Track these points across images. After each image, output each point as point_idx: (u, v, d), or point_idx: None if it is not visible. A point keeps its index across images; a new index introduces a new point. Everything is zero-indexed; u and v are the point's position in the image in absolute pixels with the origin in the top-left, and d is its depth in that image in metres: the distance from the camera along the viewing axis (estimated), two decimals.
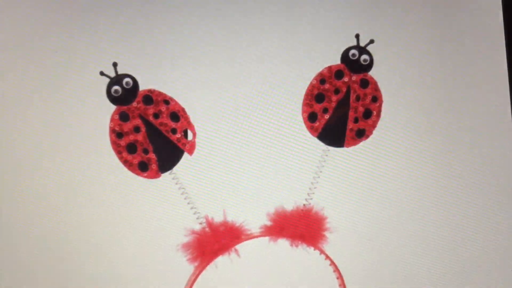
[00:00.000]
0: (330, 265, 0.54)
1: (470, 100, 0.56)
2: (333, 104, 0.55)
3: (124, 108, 0.54)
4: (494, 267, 0.56)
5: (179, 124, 0.54)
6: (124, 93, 0.53)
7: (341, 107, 0.56)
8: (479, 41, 0.57)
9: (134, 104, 0.54)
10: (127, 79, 0.53)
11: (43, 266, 0.53)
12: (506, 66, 0.57)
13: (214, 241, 0.53)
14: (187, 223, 0.54)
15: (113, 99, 0.53)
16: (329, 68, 0.55)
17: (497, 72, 0.57)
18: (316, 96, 0.55)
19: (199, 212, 0.54)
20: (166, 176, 0.54)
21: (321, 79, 0.55)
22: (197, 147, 0.54)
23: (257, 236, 0.54)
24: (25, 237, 0.53)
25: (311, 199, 0.55)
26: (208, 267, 0.53)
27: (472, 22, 0.57)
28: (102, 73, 0.53)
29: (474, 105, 0.56)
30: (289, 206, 0.54)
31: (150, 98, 0.54)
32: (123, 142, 0.53)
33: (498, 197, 0.56)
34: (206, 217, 0.54)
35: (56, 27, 0.53)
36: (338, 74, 0.55)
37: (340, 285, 0.54)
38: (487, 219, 0.56)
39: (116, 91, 0.53)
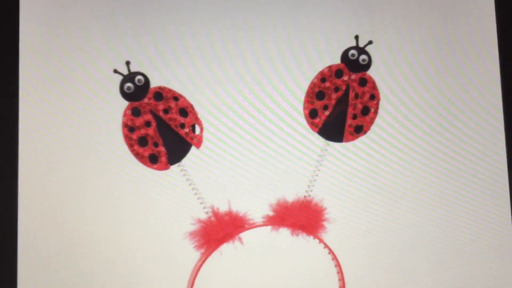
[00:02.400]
0: (329, 253, 0.55)
1: (464, 98, 0.58)
2: (333, 102, 0.57)
3: (136, 104, 0.55)
4: (487, 257, 0.57)
5: (187, 119, 0.56)
6: (136, 89, 0.55)
7: (341, 104, 0.57)
8: (474, 42, 0.58)
9: (146, 100, 0.55)
10: (139, 77, 0.55)
11: (57, 254, 0.54)
12: (499, 66, 0.58)
13: (219, 230, 0.54)
14: (194, 213, 0.55)
15: (125, 95, 0.55)
16: (330, 67, 0.57)
17: (491, 71, 0.58)
18: (317, 93, 0.57)
19: (205, 202, 0.55)
20: (174, 168, 0.55)
21: (322, 77, 0.57)
22: (204, 141, 0.56)
23: (259, 225, 0.55)
24: (41, 227, 0.54)
25: (311, 191, 0.56)
26: (213, 254, 0.54)
27: (467, 23, 0.58)
28: (115, 71, 0.55)
29: (468, 103, 0.58)
30: (290, 198, 0.55)
31: (160, 94, 0.55)
32: (134, 135, 0.55)
33: (492, 191, 0.57)
34: (212, 207, 0.55)
35: (73, 29, 0.55)
36: (338, 73, 0.57)
37: (338, 272, 0.55)
38: (481, 212, 0.57)
39: (128, 88, 0.55)
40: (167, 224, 0.55)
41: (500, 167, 0.58)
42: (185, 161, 0.56)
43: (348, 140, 0.57)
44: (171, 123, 0.56)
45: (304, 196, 0.56)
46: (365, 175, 0.57)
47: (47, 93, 0.55)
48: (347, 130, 0.57)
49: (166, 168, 0.55)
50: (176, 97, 0.56)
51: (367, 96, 0.57)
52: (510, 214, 0.57)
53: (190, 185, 0.55)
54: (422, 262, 0.57)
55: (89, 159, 0.55)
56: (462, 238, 0.57)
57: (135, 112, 0.55)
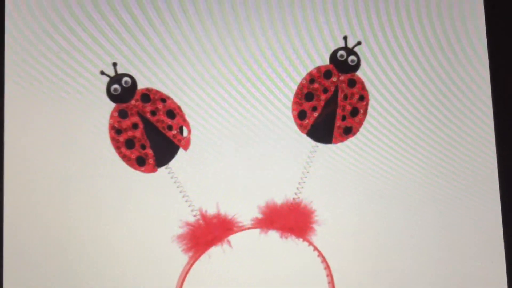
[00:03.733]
0: (318, 256, 0.55)
1: (454, 99, 0.58)
2: (322, 103, 0.57)
3: (123, 105, 0.55)
4: (478, 259, 0.57)
5: (175, 121, 0.55)
6: (123, 91, 0.55)
7: (330, 106, 0.57)
8: (464, 42, 0.58)
9: (133, 102, 0.55)
10: (126, 78, 0.55)
11: (43, 257, 0.53)
12: (489, 67, 0.58)
13: (207, 233, 0.54)
14: (182, 216, 0.54)
15: (112, 97, 0.55)
16: (318, 68, 0.57)
17: (481, 73, 0.58)
18: (305, 95, 0.57)
19: (193, 205, 0.55)
20: (162, 170, 0.55)
21: (311, 78, 0.57)
22: (191, 143, 0.55)
23: (248, 228, 0.54)
24: (28, 229, 0.54)
25: (300, 193, 0.56)
26: (201, 257, 0.54)
27: (457, 23, 0.58)
28: (102, 73, 0.55)
29: (458, 104, 0.58)
30: (279, 200, 0.55)
31: (147, 96, 0.55)
32: (121, 138, 0.55)
33: (482, 192, 0.57)
34: (200, 210, 0.54)
35: (59, 30, 0.55)
36: (327, 74, 0.57)
37: (327, 275, 0.55)
38: (472, 213, 0.57)
39: (115, 89, 0.55)
40: (155, 227, 0.55)
41: (490, 169, 0.58)
42: (173, 163, 0.55)
43: (337, 142, 0.57)
44: (159, 125, 0.55)
45: (293, 199, 0.56)
46: (354, 177, 0.56)
47: (33, 95, 0.55)
48: (336, 131, 0.57)
49: (153, 170, 0.55)
50: (164, 99, 0.55)
51: (356, 97, 0.57)
52: (501, 215, 0.57)
53: (177, 187, 0.55)
54: (412, 264, 0.57)
55: (76, 162, 0.55)
56: (453, 240, 0.57)
57: (122, 114, 0.55)
